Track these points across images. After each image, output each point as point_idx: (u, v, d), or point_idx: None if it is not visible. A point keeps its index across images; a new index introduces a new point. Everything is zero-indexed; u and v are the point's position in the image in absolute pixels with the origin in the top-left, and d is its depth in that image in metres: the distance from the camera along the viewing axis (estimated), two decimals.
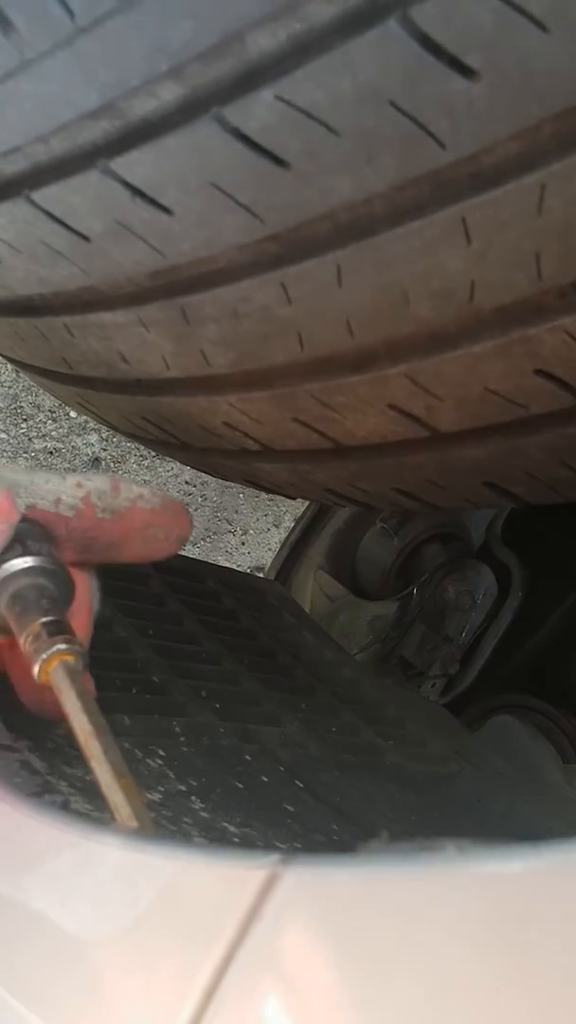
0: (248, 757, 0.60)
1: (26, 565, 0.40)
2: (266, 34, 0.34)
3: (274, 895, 0.29)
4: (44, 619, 0.39)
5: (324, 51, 0.34)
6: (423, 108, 0.34)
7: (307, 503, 1.16)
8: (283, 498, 1.45)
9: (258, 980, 0.28)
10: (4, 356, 0.68)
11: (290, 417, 0.52)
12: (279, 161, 0.38)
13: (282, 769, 0.61)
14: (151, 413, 0.59)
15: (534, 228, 0.38)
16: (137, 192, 0.41)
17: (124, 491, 0.42)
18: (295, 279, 0.43)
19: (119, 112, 0.39)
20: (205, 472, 0.71)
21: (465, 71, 0.32)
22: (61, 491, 0.41)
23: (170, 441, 0.63)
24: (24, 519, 0.41)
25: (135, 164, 0.40)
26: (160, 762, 0.53)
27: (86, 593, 0.44)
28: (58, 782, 0.44)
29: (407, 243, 0.40)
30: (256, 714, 0.65)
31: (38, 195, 0.44)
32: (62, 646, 0.38)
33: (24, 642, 0.39)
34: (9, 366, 1.31)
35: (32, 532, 0.41)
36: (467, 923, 0.26)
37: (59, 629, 0.39)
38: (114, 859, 0.35)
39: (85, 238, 0.45)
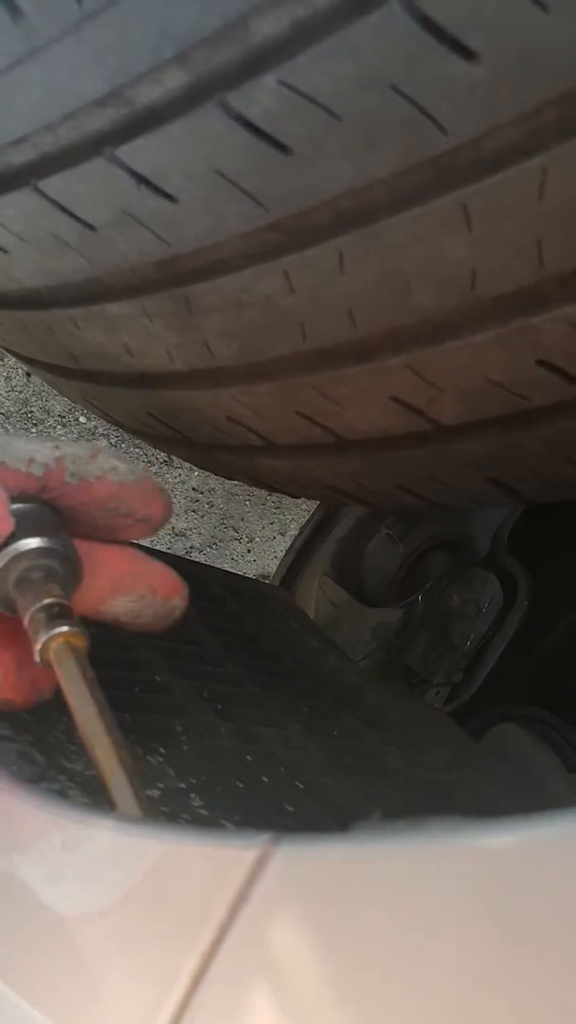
0: (249, 757, 0.60)
1: (33, 546, 0.40)
2: (269, 19, 0.34)
3: (264, 876, 0.29)
4: (47, 600, 0.39)
5: (326, 35, 0.34)
6: (424, 92, 0.35)
7: (312, 511, 1.16)
8: (289, 506, 1.45)
9: (247, 963, 0.28)
10: (14, 353, 0.69)
11: (293, 410, 0.52)
12: (282, 147, 0.38)
13: (283, 770, 0.61)
14: (156, 408, 0.60)
15: (535, 215, 0.38)
16: (142, 180, 0.42)
17: (101, 461, 0.41)
18: (297, 267, 0.43)
19: (125, 99, 0.39)
20: (209, 470, 0.71)
21: (466, 53, 0.33)
22: (36, 451, 0.40)
23: (175, 438, 0.63)
24: (32, 499, 0.41)
25: (140, 151, 0.40)
26: (160, 759, 0.53)
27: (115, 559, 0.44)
28: (57, 775, 0.44)
29: (409, 230, 0.40)
30: (258, 715, 0.65)
31: (45, 184, 0.44)
32: (64, 628, 0.38)
33: (27, 622, 0.39)
34: (21, 370, 1.32)
35: (40, 512, 0.41)
36: (460, 899, 0.26)
37: (62, 611, 0.39)
38: (105, 841, 0.35)
39: (91, 228, 0.45)
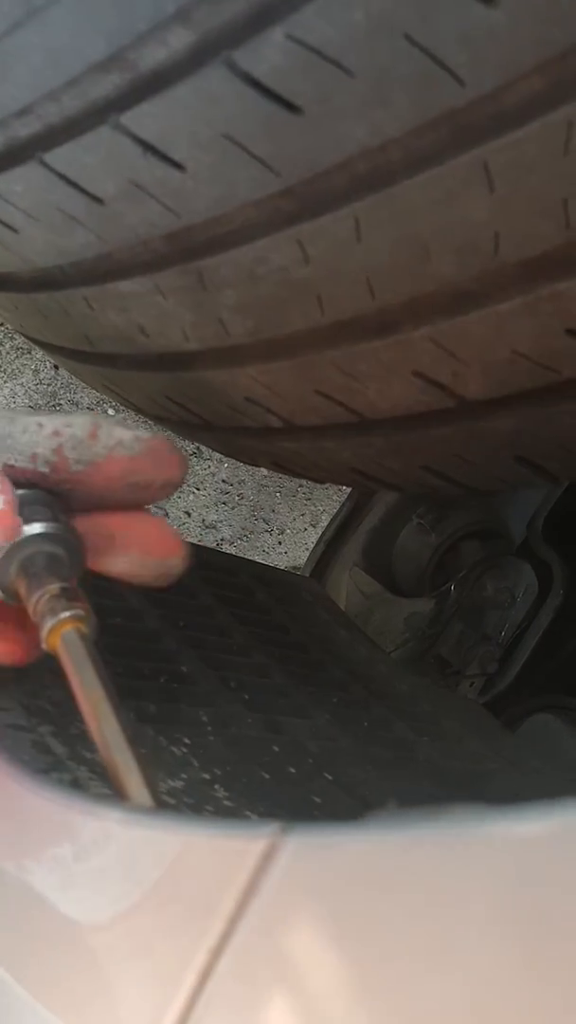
0: (276, 748, 0.59)
1: (35, 531, 0.39)
2: None
3: (273, 867, 0.28)
4: (53, 586, 0.38)
5: None
6: (440, 41, 0.33)
7: (342, 501, 1.14)
8: (320, 498, 1.44)
9: (257, 958, 0.27)
10: (34, 340, 0.68)
11: (312, 389, 0.51)
12: (291, 107, 0.36)
13: (310, 760, 0.59)
14: (174, 391, 0.58)
15: (561, 171, 0.36)
16: (149, 148, 0.40)
17: (103, 438, 0.40)
18: (312, 236, 0.41)
19: (128, 63, 0.38)
20: (232, 457, 0.70)
21: None
22: (38, 443, 0.39)
23: (195, 422, 0.61)
24: (32, 484, 0.40)
25: (146, 117, 0.39)
26: (184, 750, 0.52)
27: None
28: (78, 767, 0.43)
29: (427, 192, 0.38)
30: (286, 706, 0.63)
31: (51, 157, 0.43)
32: (70, 613, 0.37)
33: (32, 609, 0.38)
34: (49, 363, 1.32)
35: (41, 497, 0.40)
36: (481, 890, 0.24)
37: (68, 596, 0.38)
38: (113, 834, 0.34)
39: (99, 201, 0.44)
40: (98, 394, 1.33)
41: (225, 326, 0.48)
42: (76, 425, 0.40)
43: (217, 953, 0.27)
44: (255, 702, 0.60)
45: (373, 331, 0.45)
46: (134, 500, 0.42)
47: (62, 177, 0.43)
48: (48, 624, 0.37)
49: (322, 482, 0.67)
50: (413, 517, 1.09)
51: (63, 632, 0.37)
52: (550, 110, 0.34)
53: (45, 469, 0.40)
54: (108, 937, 0.31)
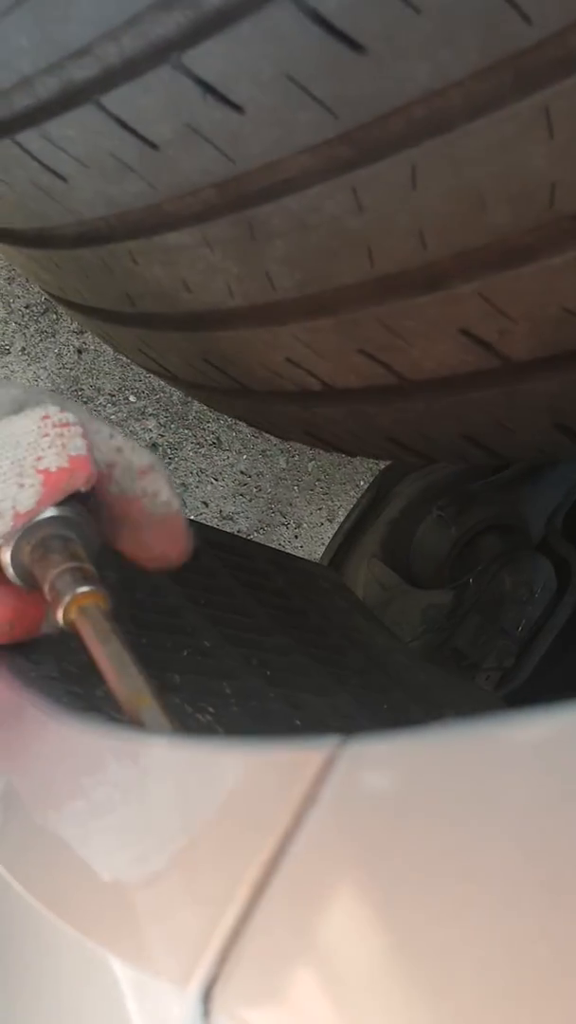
0: (298, 722, 0.58)
1: (50, 515, 0.39)
2: None
3: (332, 777, 0.27)
4: (68, 565, 0.38)
5: None
6: None
7: (361, 494, 1.14)
8: (337, 492, 1.43)
9: (315, 871, 0.26)
10: (69, 304, 0.68)
11: (355, 348, 0.51)
12: (356, 45, 0.36)
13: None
14: (212, 353, 0.58)
15: None
16: (209, 89, 0.40)
17: (148, 481, 0.41)
18: (367, 183, 0.41)
19: (193, 1, 0.38)
20: (264, 428, 0.70)
21: None
22: (99, 448, 0.40)
23: (231, 386, 0.62)
24: None
25: (208, 57, 0.39)
26: (210, 717, 0.52)
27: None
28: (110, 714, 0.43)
29: (485, 138, 0.38)
30: (306, 683, 0.63)
31: (108, 100, 0.43)
32: (87, 588, 0.37)
33: (47, 588, 0.38)
34: (72, 347, 1.32)
35: None
36: (552, 777, 0.24)
37: (84, 575, 0.38)
38: (161, 757, 0.34)
39: (154, 146, 0.44)
40: (120, 381, 1.33)
41: (271, 280, 0.48)
42: (139, 454, 0.41)
43: (272, 867, 0.27)
44: (276, 679, 0.60)
45: (422, 286, 0.45)
46: (125, 547, 0.43)
47: (118, 121, 0.44)
48: (65, 599, 0.37)
49: (354, 455, 0.67)
50: (433, 509, 1.08)
51: (79, 606, 0.37)
52: None
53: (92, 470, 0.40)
54: (160, 862, 0.31)
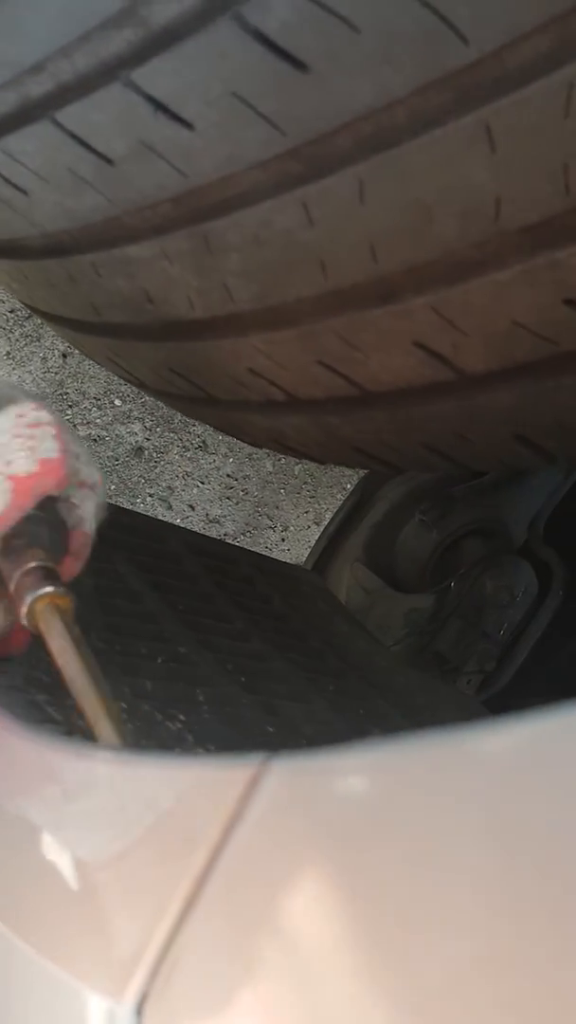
0: (271, 728, 0.59)
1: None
2: None
3: (258, 795, 0.28)
4: (32, 564, 0.38)
5: None
6: None
7: (346, 496, 1.15)
8: (324, 495, 1.44)
9: (242, 885, 0.27)
10: (40, 312, 0.69)
11: (315, 360, 0.51)
12: (298, 64, 0.37)
13: (305, 742, 0.59)
14: (177, 363, 0.59)
15: (562, 134, 0.36)
16: (159, 106, 0.41)
17: (84, 511, 0.41)
18: (317, 198, 0.42)
19: (140, 19, 0.38)
20: (235, 435, 0.70)
21: None
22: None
23: (198, 396, 0.62)
24: None
25: (157, 74, 0.40)
26: (180, 725, 0.52)
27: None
28: (70, 726, 0.43)
29: (430, 154, 0.38)
30: (282, 690, 0.64)
31: (62, 115, 0.44)
32: (49, 588, 0.38)
33: (13, 587, 0.38)
34: (57, 351, 1.32)
35: None
36: (464, 803, 0.24)
37: (47, 574, 0.38)
38: (103, 774, 0.34)
39: (109, 161, 0.44)
40: (105, 385, 1.34)
41: (230, 292, 0.49)
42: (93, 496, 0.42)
43: (202, 881, 0.27)
44: (252, 685, 0.61)
45: (375, 299, 0.46)
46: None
47: (73, 136, 0.44)
48: (28, 599, 0.37)
49: (324, 463, 0.68)
50: (416, 514, 1.09)
51: (41, 607, 0.37)
52: (551, 72, 0.35)
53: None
54: (94, 872, 0.31)
